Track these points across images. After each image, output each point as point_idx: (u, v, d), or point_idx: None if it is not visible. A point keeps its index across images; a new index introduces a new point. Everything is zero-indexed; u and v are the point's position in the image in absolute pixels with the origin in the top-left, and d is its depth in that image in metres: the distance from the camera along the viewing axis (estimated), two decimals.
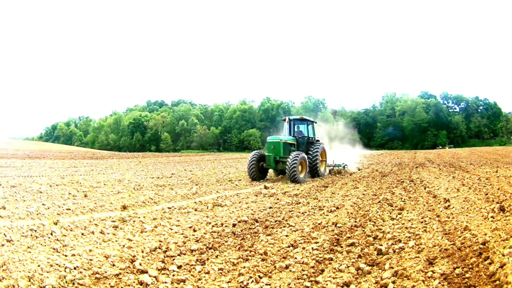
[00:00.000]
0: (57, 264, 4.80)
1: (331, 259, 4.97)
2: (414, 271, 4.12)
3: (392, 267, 4.37)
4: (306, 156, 16.32)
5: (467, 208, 7.54)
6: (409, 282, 3.88)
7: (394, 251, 5.03)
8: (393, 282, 3.96)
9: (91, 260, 5.11)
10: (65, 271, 4.61)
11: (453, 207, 7.70)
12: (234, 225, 7.13)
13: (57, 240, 5.96)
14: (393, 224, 6.73)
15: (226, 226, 7.14)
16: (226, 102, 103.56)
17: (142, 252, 5.52)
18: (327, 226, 6.75)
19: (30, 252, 5.25)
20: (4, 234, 5.93)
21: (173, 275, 4.62)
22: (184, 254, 5.43)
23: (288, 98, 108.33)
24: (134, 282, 4.39)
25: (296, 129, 18.45)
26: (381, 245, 5.33)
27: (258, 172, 16.55)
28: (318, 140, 18.67)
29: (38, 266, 4.74)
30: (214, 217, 8.11)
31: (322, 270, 4.61)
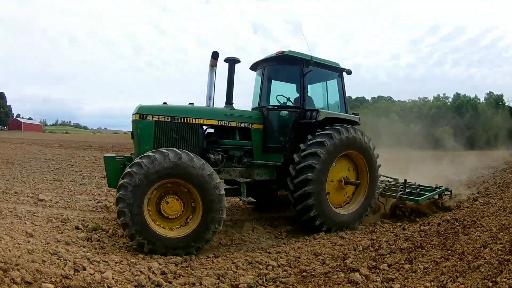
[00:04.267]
0: (257, 262, 5.03)
1: (509, 260, 4.66)
2: None
3: None
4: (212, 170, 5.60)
5: None
6: None
7: None
8: None
9: (299, 257, 5.28)
10: (266, 269, 4.78)
11: None
12: (439, 224, 6.90)
13: None
14: None
15: (432, 225, 6.98)
16: (422, 98, 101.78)
17: (354, 250, 5.55)
18: (509, 227, 6.34)
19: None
20: None
21: (383, 274, 4.48)
22: (394, 252, 5.31)
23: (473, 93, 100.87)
24: (343, 281, 4.34)
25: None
26: None
27: None
28: (344, 120, 7.57)
29: (232, 263, 4.99)
30: (422, 215, 8.19)
31: (501, 271, 4.37)
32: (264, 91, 8.03)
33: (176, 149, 5.45)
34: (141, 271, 4.51)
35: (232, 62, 7.16)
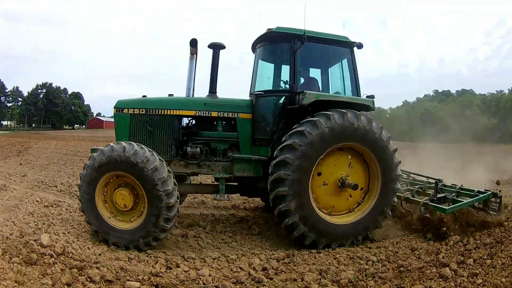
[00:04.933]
0: (358, 257, 5.22)
1: None
2: None
3: None
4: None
5: None
6: None
7: None
8: None
9: (397, 252, 5.44)
10: (366, 264, 4.94)
11: None
12: None
13: None
14: None
15: (510, 220, 6.60)
16: (499, 91, 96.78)
17: (446, 245, 5.64)
18: None
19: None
20: None
21: (469, 269, 4.61)
22: (479, 248, 5.41)
23: None
24: (435, 276, 4.50)
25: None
26: None
27: None
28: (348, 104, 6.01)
29: (334, 258, 5.15)
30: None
31: None
32: (257, 75, 7.17)
33: (112, 143, 5.43)
34: (241, 268, 4.53)
35: (215, 48, 6.61)
